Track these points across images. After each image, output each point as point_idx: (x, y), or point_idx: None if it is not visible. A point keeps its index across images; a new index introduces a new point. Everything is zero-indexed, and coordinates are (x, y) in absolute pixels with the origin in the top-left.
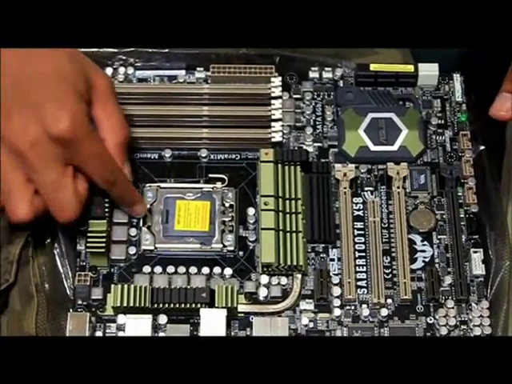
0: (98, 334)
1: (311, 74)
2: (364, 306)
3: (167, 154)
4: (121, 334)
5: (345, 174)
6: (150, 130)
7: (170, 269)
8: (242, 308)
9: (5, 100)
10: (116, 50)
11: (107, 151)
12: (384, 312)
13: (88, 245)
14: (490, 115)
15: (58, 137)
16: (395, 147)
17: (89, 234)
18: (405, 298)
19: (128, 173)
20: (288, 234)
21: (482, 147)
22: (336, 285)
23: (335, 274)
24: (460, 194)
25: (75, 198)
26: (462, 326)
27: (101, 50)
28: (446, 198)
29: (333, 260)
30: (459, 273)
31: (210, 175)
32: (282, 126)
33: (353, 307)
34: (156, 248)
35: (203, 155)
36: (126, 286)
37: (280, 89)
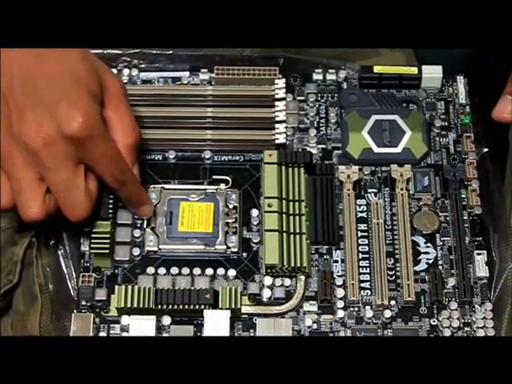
0: (102, 334)
1: (315, 76)
2: (367, 307)
3: (171, 155)
4: (124, 334)
5: (348, 176)
6: (154, 131)
7: (174, 270)
8: (245, 309)
9: (16, 99)
10: (120, 52)
11: (119, 151)
12: (387, 314)
13: (92, 246)
14: (492, 118)
15: (71, 136)
16: (399, 149)
17: (93, 235)
18: (408, 299)
19: (137, 174)
20: (292, 236)
21: (486, 149)
22: (339, 286)
23: (339, 276)
24: (463, 196)
25: (86, 197)
26: (466, 328)
27: (105, 51)
28: (450, 200)
29: (336, 262)
30: (463, 275)
31: (214, 177)
32: (286, 127)
33: (356, 309)
34: (160, 249)
35: (207, 157)
36: (129, 287)
37: (284, 90)
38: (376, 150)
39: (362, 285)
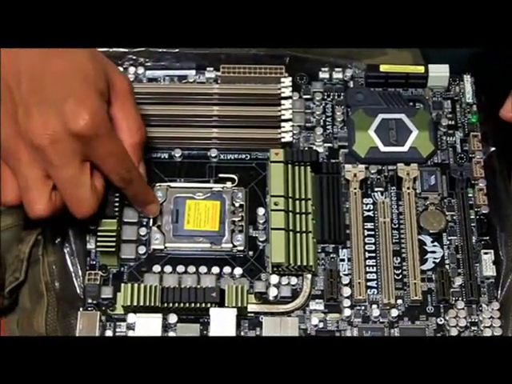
0: (108, 332)
1: (321, 75)
2: (374, 306)
3: (177, 153)
4: (131, 333)
5: (355, 175)
6: (160, 129)
7: (180, 268)
8: (251, 308)
9: (22, 96)
10: (126, 50)
11: (125, 150)
12: (394, 313)
13: (98, 244)
14: (500, 117)
15: (78, 133)
16: (405, 148)
17: (99, 233)
18: (415, 298)
19: (143, 172)
20: (298, 234)
21: (493, 148)
22: (346, 285)
23: (345, 275)
24: (470, 195)
25: (92, 194)
26: (473, 328)
27: (111, 49)
28: (457, 199)
29: (343, 260)
30: (469, 274)
31: (220, 175)
32: (292, 126)
33: (363, 307)
34: (166, 247)
35: (213, 155)
36: (135, 285)
37: (290, 89)
38: (382, 148)
39: (369, 284)
